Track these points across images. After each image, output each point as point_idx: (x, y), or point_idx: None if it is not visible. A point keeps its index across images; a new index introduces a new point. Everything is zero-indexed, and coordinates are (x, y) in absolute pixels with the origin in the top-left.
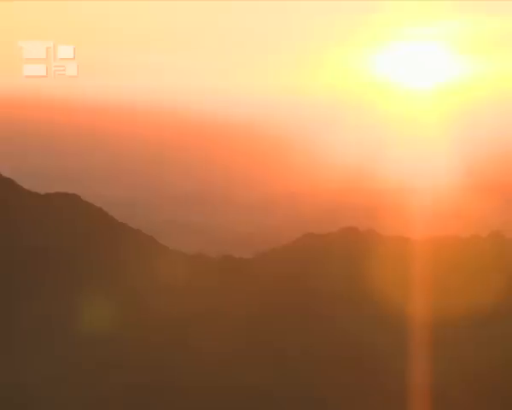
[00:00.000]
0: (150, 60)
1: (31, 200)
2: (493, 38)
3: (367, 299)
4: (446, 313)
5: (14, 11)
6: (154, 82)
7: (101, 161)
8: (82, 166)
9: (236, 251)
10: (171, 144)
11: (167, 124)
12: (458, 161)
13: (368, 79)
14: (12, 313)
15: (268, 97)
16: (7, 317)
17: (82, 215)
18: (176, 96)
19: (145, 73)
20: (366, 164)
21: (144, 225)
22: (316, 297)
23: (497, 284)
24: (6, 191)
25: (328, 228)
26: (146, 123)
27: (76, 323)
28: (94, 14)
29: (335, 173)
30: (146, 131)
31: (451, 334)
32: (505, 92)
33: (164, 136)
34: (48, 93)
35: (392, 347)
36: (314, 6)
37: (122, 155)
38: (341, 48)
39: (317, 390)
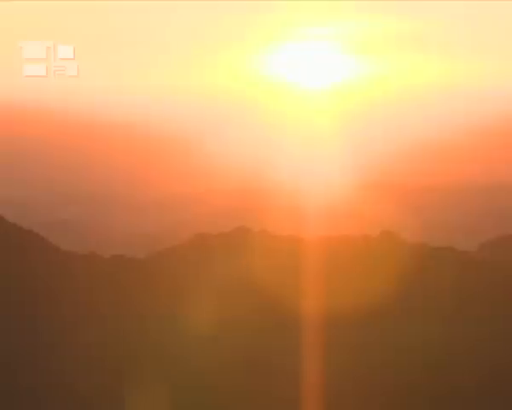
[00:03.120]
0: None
1: None
2: (388, 38)
3: (258, 298)
4: (337, 312)
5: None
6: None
7: None
8: None
9: (128, 251)
10: (60, 144)
11: (56, 123)
12: (351, 161)
13: (262, 79)
14: None
15: (161, 97)
16: None
17: None
18: (64, 97)
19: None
20: (260, 165)
21: (36, 225)
22: (204, 297)
23: (387, 284)
24: None
25: (220, 228)
26: (34, 122)
27: None
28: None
29: (229, 174)
30: (33, 131)
31: (342, 333)
32: (399, 92)
33: (52, 135)
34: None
35: (285, 347)
36: (208, 5)
37: (12, 153)
38: (235, 48)
39: (209, 392)
